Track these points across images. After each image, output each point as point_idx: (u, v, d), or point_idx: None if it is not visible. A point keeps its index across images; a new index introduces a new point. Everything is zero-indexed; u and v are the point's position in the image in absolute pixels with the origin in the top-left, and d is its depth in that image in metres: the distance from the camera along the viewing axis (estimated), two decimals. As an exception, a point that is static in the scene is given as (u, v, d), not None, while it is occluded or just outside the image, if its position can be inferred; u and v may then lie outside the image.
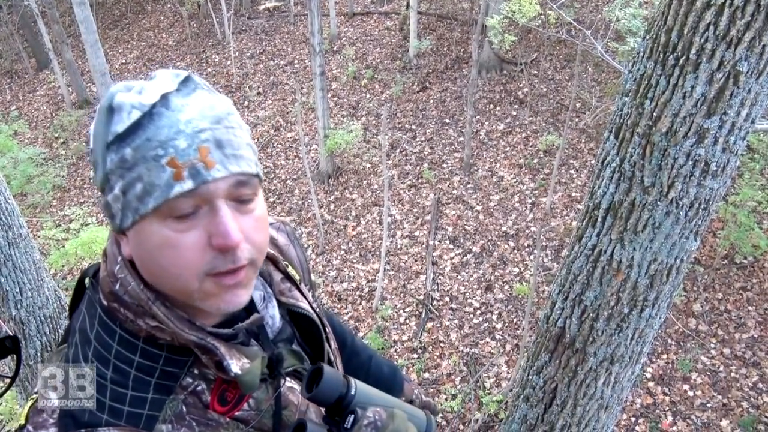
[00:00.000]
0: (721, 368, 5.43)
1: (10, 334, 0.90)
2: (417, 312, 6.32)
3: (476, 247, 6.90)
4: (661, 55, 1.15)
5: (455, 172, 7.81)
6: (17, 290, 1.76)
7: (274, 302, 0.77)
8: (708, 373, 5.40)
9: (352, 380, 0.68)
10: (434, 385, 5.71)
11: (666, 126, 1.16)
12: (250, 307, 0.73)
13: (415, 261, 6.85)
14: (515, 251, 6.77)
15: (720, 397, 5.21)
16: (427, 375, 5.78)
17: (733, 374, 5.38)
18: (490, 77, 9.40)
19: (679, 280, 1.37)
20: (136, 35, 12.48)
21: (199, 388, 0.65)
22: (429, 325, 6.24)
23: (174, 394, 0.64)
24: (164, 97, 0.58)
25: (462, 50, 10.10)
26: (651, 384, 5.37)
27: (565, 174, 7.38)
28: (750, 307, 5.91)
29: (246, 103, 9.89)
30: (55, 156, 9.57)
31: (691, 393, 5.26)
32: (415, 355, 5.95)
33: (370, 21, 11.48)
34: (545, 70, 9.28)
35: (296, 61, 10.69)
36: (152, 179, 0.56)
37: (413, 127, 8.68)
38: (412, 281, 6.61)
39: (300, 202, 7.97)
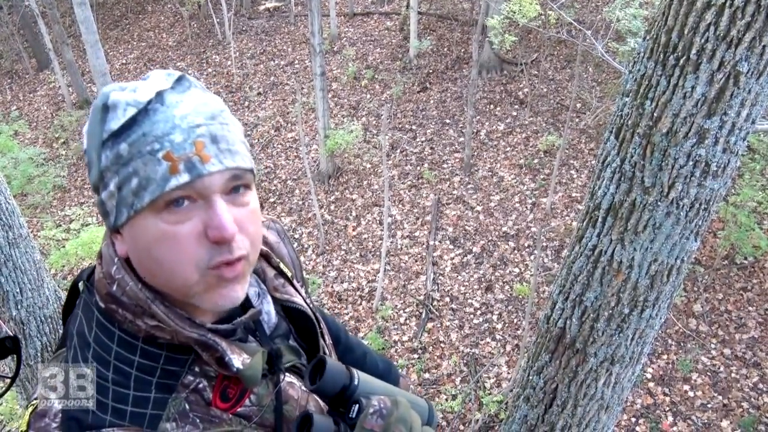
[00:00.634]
0: (722, 369, 5.42)
1: (11, 334, 0.89)
2: (417, 312, 6.32)
3: (476, 248, 6.89)
4: (662, 56, 1.14)
5: (455, 173, 7.81)
6: (17, 290, 1.74)
7: (269, 298, 0.78)
8: (708, 373, 5.38)
9: (355, 371, 0.69)
10: (434, 386, 5.70)
11: (666, 126, 1.16)
12: (246, 304, 0.73)
13: (416, 261, 6.84)
14: (515, 251, 6.76)
15: (720, 397, 5.20)
16: (427, 375, 5.77)
17: (733, 375, 5.37)
18: (491, 77, 9.39)
19: (680, 281, 1.36)
20: (136, 35, 12.49)
21: (200, 385, 0.65)
22: (429, 325, 6.22)
23: (176, 393, 0.64)
24: (159, 94, 0.59)
25: (462, 50, 10.10)
26: (651, 384, 5.36)
27: (566, 174, 7.37)
28: (750, 308, 5.90)
29: (246, 103, 9.88)
30: (55, 156, 9.57)
31: (691, 393, 5.25)
32: (416, 356, 5.94)
33: (370, 21, 11.47)
34: (545, 70, 9.27)
35: (296, 62, 10.69)
36: (148, 173, 0.56)
37: (413, 127, 8.66)
38: (412, 281, 6.61)
39: (300, 203, 7.95)
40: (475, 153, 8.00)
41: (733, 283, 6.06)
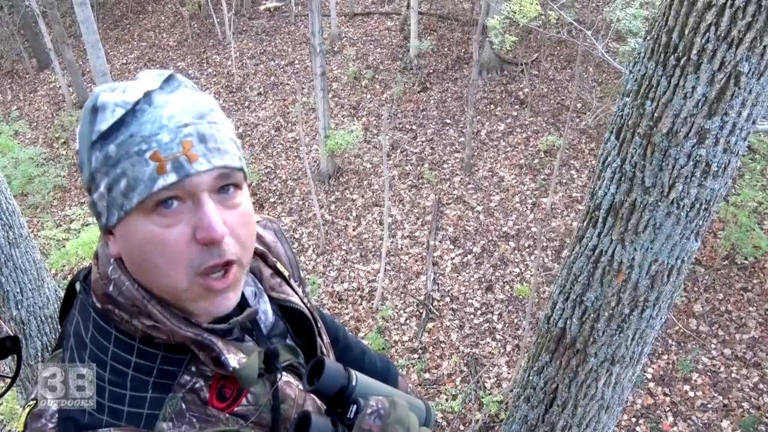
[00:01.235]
0: (722, 369, 5.42)
1: (11, 334, 0.90)
2: (417, 312, 6.31)
3: (477, 248, 6.88)
4: (662, 56, 1.14)
5: (456, 173, 7.81)
6: (18, 290, 1.75)
7: (266, 297, 0.77)
8: (709, 373, 5.37)
9: (353, 372, 0.69)
10: (435, 386, 5.69)
11: (667, 126, 1.15)
12: (243, 303, 0.73)
13: (416, 261, 6.83)
14: (516, 252, 6.75)
15: (720, 397, 5.19)
16: (427, 375, 5.76)
17: (733, 375, 5.37)
18: (491, 77, 9.38)
19: (680, 281, 1.36)
20: (136, 35, 12.48)
21: (197, 385, 0.65)
22: (429, 325, 6.23)
23: (173, 392, 0.64)
24: (147, 95, 0.59)
25: (463, 50, 10.09)
26: (651, 384, 5.36)
27: (566, 174, 7.37)
28: (751, 308, 5.89)
29: (246, 103, 9.86)
30: (55, 156, 9.56)
31: (691, 393, 5.24)
32: (416, 356, 5.93)
33: (370, 21, 11.47)
34: (546, 70, 9.26)
35: (297, 62, 10.68)
36: (136, 174, 0.56)
37: (414, 127, 8.65)
38: (412, 282, 6.59)
39: (300, 203, 7.92)
40: (476, 153, 8.00)
41: (733, 284, 6.05)
